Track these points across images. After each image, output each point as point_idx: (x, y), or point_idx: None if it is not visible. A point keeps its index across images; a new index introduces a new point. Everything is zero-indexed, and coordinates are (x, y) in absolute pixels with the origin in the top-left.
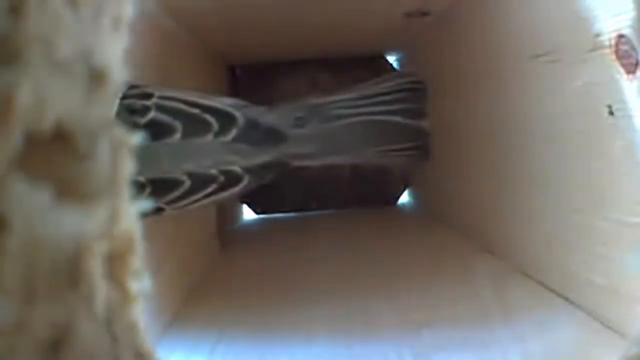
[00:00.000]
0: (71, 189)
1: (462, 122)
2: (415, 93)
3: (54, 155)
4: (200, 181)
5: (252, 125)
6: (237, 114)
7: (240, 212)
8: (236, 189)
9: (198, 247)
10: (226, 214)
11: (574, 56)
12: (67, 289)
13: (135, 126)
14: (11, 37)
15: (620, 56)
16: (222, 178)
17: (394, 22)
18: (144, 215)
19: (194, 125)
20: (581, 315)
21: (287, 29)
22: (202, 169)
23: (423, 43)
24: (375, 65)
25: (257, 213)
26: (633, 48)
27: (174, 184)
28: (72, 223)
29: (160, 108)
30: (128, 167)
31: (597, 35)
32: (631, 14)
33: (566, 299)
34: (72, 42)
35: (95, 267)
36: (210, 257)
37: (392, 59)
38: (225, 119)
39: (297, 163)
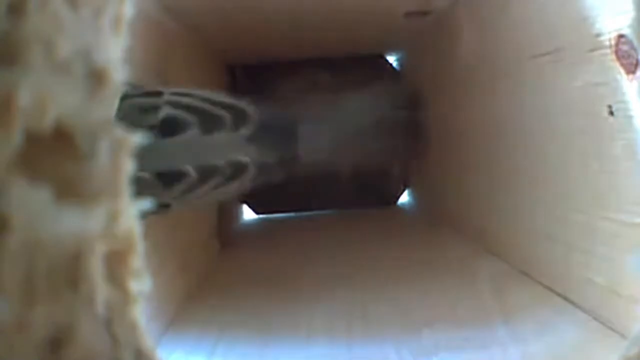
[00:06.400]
0: (71, 189)
1: (462, 122)
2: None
3: (54, 155)
4: (206, 172)
5: (265, 122)
6: (251, 110)
7: (240, 212)
8: (243, 180)
9: (198, 247)
10: (226, 214)
11: (574, 56)
12: (67, 289)
13: (147, 126)
14: (11, 37)
15: (620, 56)
16: (228, 169)
17: (394, 22)
18: (152, 212)
19: (209, 121)
20: (581, 315)
21: (287, 29)
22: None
23: (423, 43)
24: (375, 65)
25: (257, 213)
26: (633, 48)
27: (179, 176)
28: (72, 223)
29: (172, 104)
30: (128, 167)
31: (597, 35)
32: (631, 14)
33: (566, 298)
34: (72, 42)
35: (96, 267)
36: (210, 257)
37: (392, 59)
38: (239, 115)
39: (307, 159)
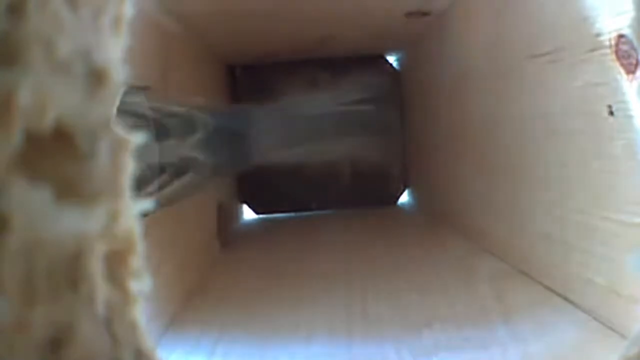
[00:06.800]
0: (71, 189)
1: (462, 122)
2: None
3: (54, 155)
4: (156, 168)
5: (215, 128)
6: (199, 117)
7: (240, 212)
8: (196, 174)
9: (198, 247)
10: (226, 214)
11: (574, 56)
12: (67, 289)
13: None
14: (11, 37)
15: (620, 56)
16: (179, 163)
17: (394, 22)
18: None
19: (159, 130)
20: (581, 315)
21: (287, 30)
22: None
23: (423, 43)
24: (375, 65)
25: (257, 213)
26: (633, 48)
27: None
28: (72, 223)
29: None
30: (128, 167)
31: (597, 35)
32: (631, 14)
33: (566, 299)
34: (72, 42)
35: (96, 267)
36: (210, 257)
37: (392, 59)
38: (189, 124)
39: (259, 159)
